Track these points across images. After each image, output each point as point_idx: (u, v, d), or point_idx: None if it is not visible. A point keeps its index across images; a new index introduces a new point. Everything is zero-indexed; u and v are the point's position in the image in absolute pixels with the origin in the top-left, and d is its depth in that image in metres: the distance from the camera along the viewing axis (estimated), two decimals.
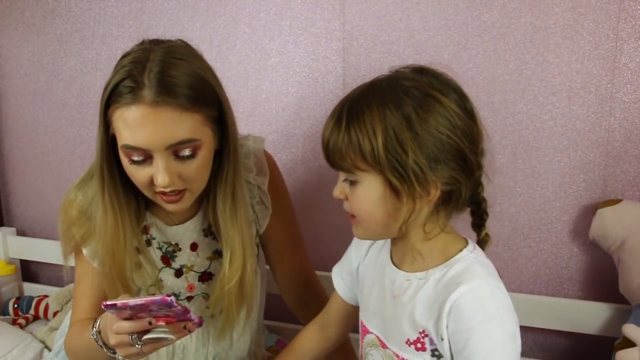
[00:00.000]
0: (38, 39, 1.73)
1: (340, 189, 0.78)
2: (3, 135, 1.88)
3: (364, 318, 0.89)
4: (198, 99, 0.85)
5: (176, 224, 1.03)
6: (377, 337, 0.85)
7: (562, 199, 1.26)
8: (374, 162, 0.72)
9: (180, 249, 1.04)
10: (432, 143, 0.72)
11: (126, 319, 0.76)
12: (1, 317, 1.72)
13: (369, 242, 0.91)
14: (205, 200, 1.02)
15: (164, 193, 0.89)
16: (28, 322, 1.70)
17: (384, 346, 0.84)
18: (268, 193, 1.08)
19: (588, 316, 1.23)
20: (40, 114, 1.79)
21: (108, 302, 0.71)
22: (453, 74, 1.26)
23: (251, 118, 1.49)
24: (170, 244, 1.03)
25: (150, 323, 0.74)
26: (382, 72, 1.34)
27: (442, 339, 0.75)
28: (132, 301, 0.70)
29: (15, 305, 1.76)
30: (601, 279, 1.27)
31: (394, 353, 0.82)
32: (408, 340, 0.79)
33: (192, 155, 0.87)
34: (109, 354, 0.84)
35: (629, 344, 1.03)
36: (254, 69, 1.48)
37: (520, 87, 1.25)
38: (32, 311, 1.72)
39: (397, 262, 0.83)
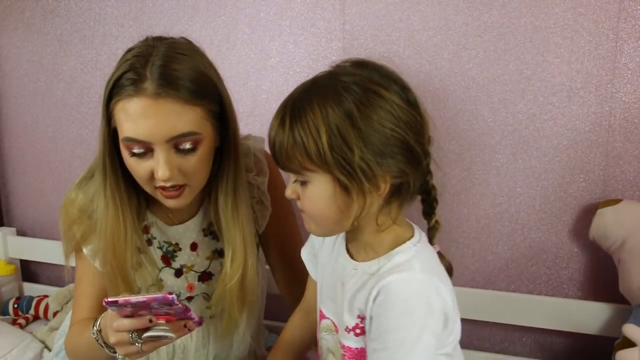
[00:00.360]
0: (38, 39, 1.73)
1: (292, 189, 0.78)
2: (3, 135, 1.88)
3: (320, 303, 0.90)
4: (199, 92, 0.85)
5: (176, 224, 1.03)
6: (333, 322, 0.87)
7: (562, 199, 1.26)
8: (321, 162, 0.72)
9: (180, 249, 1.04)
10: (377, 138, 0.72)
11: (127, 316, 0.76)
12: (1, 317, 1.72)
13: None
14: (207, 199, 1.02)
15: (163, 188, 0.88)
16: (28, 322, 1.70)
17: (337, 330, 0.86)
18: (267, 193, 1.08)
19: (588, 316, 1.23)
20: (40, 114, 1.79)
21: (110, 299, 0.71)
22: (453, 74, 1.27)
23: (251, 118, 1.49)
24: (170, 244, 1.03)
25: (150, 321, 0.74)
26: None
27: (367, 319, 0.77)
28: (134, 298, 0.70)
29: (15, 305, 1.76)
30: (601, 279, 1.27)
31: (339, 340, 0.84)
32: (347, 327, 0.81)
33: (192, 149, 0.87)
34: (109, 353, 0.84)
35: (629, 344, 1.03)
36: (254, 69, 1.48)
37: (520, 87, 1.25)
38: (32, 311, 1.72)
39: (351, 251, 0.84)
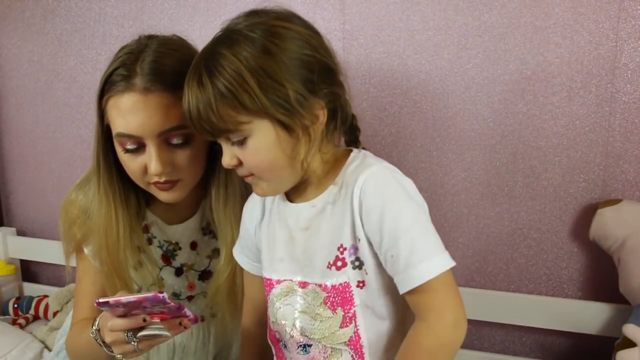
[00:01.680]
0: (38, 39, 1.73)
1: (229, 155, 0.75)
2: (3, 135, 1.88)
3: (268, 272, 0.86)
4: None
5: (176, 223, 1.03)
6: (292, 280, 0.82)
7: (562, 199, 1.26)
8: (257, 108, 0.69)
9: (180, 248, 1.04)
10: (301, 66, 0.71)
11: (120, 316, 0.76)
12: (1, 317, 1.72)
13: (260, 201, 0.88)
14: (205, 198, 1.02)
15: (159, 184, 0.89)
16: (28, 322, 1.70)
17: (303, 285, 0.81)
18: None
19: (588, 316, 1.23)
20: (40, 114, 1.79)
21: (101, 300, 0.71)
22: (453, 74, 1.27)
23: None
24: (170, 243, 1.03)
25: (144, 320, 0.74)
26: (382, 72, 1.34)
27: (360, 240, 0.75)
28: (124, 298, 0.70)
29: (15, 305, 1.76)
30: (601, 279, 1.27)
31: (317, 284, 0.80)
32: (329, 263, 0.78)
33: (184, 143, 0.87)
34: (108, 352, 0.84)
35: (629, 344, 1.03)
36: None
37: (520, 87, 1.25)
38: (32, 311, 1.72)
39: (296, 198, 0.83)
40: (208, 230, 1.05)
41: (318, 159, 0.78)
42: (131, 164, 0.88)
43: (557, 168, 1.25)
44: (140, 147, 0.86)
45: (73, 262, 1.03)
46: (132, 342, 0.76)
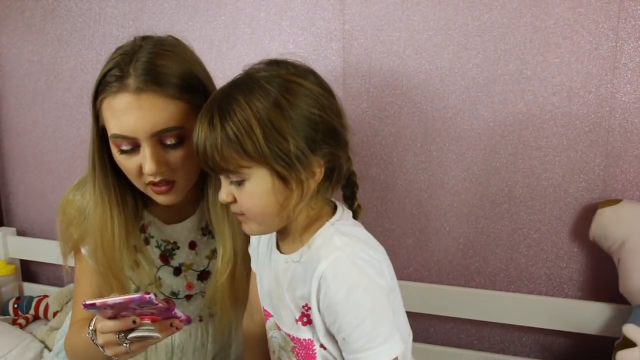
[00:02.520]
0: (38, 39, 1.73)
1: (226, 192, 0.78)
2: (3, 135, 1.88)
3: (263, 302, 0.91)
4: (183, 87, 0.86)
5: (174, 223, 1.03)
6: (274, 319, 0.87)
7: (562, 199, 1.26)
8: (258, 156, 0.72)
9: (178, 247, 1.04)
10: (306, 124, 0.74)
11: (111, 318, 0.76)
12: (1, 317, 1.72)
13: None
14: (203, 198, 1.02)
15: (154, 184, 0.89)
16: (28, 322, 1.70)
17: (279, 328, 0.86)
18: None
19: (588, 316, 1.23)
20: (40, 114, 1.79)
21: (87, 302, 0.71)
22: (453, 74, 1.27)
23: None
24: (168, 242, 1.03)
25: (134, 322, 0.74)
26: (382, 72, 1.35)
27: (313, 310, 0.78)
28: (111, 300, 0.70)
29: (15, 305, 1.76)
30: (601, 279, 1.27)
31: (286, 334, 0.84)
32: (296, 318, 0.82)
33: (178, 144, 0.87)
34: (104, 353, 0.84)
35: (629, 344, 1.03)
36: None
37: (520, 87, 1.25)
38: (32, 311, 1.72)
39: (281, 245, 0.85)
40: (207, 230, 1.05)
41: (305, 213, 0.80)
42: (127, 164, 0.88)
43: (557, 168, 1.25)
44: (135, 148, 0.86)
45: (71, 262, 1.03)
46: (124, 344, 0.76)
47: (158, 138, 0.85)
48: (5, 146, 1.88)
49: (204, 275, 1.06)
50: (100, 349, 0.84)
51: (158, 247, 1.03)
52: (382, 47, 1.34)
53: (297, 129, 0.73)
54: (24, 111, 1.82)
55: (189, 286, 1.05)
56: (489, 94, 1.27)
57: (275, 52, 1.45)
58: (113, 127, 0.85)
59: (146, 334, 0.75)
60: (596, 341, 1.26)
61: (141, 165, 0.87)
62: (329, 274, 0.75)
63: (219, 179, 0.81)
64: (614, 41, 1.17)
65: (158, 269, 1.03)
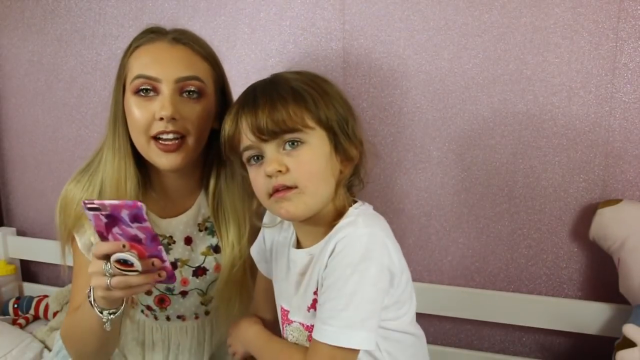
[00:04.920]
0: (38, 39, 1.73)
1: (277, 161, 0.75)
2: (3, 135, 1.88)
3: (282, 301, 0.90)
4: (210, 54, 0.98)
5: (169, 217, 1.03)
6: (300, 323, 0.86)
7: (562, 199, 1.26)
8: (324, 117, 0.76)
9: (174, 242, 1.04)
10: (347, 109, 0.81)
11: (104, 240, 0.77)
12: (1, 317, 1.72)
13: (277, 227, 0.93)
14: (204, 191, 1.03)
15: (162, 141, 0.90)
16: (28, 322, 1.70)
17: (289, 322, 0.87)
18: None
19: (588, 316, 1.23)
20: (40, 114, 1.79)
21: (87, 200, 0.73)
22: (453, 74, 1.28)
23: None
24: (164, 237, 1.04)
25: (124, 246, 0.75)
26: (382, 72, 1.35)
27: (319, 285, 0.79)
28: (107, 201, 0.73)
29: (15, 305, 1.76)
30: (601, 279, 1.27)
31: (300, 323, 0.85)
32: (308, 306, 0.82)
33: (197, 97, 0.92)
34: (98, 313, 0.83)
35: (629, 344, 1.03)
36: (254, 69, 1.48)
37: (520, 87, 1.25)
38: (32, 311, 1.72)
39: (302, 241, 0.86)
40: (204, 226, 1.05)
41: (334, 200, 0.81)
42: (139, 111, 0.91)
43: (557, 168, 1.25)
44: (154, 91, 0.90)
45: (70, 262, 1.03)
46: (107, 274, 0.76)
47: (180, 86, 0.90)
48: (5, 146, 1.88)
49: (199, 272, 1.06)
50: (95, 309, 0.83)
51: None
52: (382, 47, 1.34)
53: (343, 107, 0.80)
54: (24, 111, 1.82)
55: (184, 282, 1.06)
56: (489, 94, 1.27)
57: (275, 52, 1.45)
58: (140, 68, 0.91)
59: (128, 257, 0.75)
60: (596, 341, 1.26)
61: (154, 114, 0.89)
62: (340, 245, 0.75)
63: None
64: (614, 41, 1.17)
65: None
